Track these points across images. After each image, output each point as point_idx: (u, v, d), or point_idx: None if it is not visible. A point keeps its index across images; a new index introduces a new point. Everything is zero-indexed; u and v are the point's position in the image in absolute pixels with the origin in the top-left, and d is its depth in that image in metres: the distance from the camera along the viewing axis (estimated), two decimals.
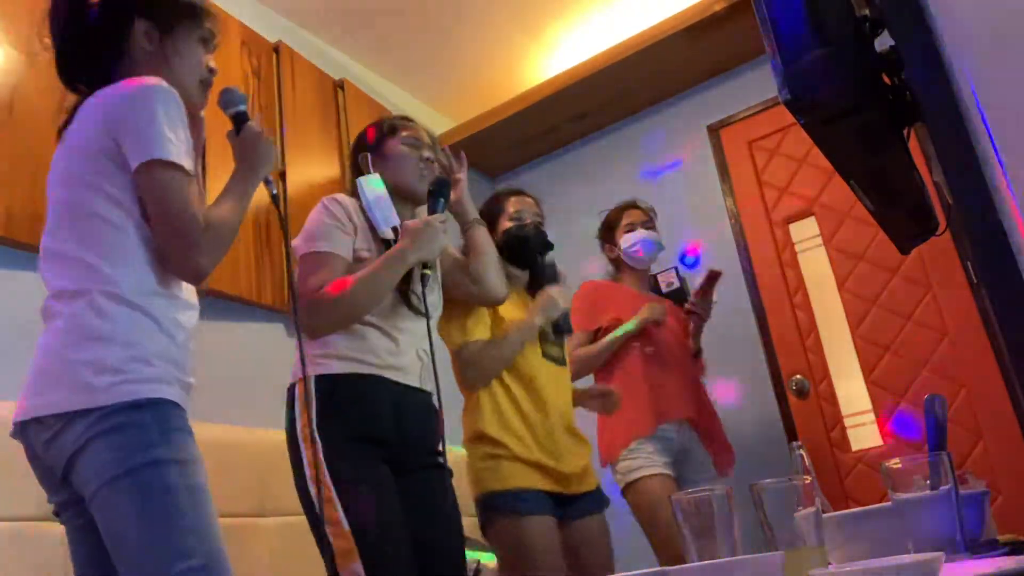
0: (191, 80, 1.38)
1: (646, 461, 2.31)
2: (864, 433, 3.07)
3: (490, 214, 2.21)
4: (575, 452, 2.05)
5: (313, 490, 1.52)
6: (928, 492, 0.85)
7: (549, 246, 2.17)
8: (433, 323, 1.77)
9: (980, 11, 0.82)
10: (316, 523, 1.53)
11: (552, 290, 2.07)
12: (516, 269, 2.15)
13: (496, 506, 1.94)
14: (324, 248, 1.64)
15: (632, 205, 2.70)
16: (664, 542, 2.22)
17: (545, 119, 3.81)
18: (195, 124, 1.38)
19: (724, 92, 3.63)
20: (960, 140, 0.87)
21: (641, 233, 2.60)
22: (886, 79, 1.08)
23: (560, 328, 2.08)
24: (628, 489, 2.33)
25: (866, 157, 1.15)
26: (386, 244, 1.70)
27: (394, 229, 1.71)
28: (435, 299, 1.79)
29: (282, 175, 2.78)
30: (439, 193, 1.77)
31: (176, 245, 1.22)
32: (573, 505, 2.03)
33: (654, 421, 2.36)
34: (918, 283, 3.04)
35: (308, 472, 1.54)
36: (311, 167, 2.92)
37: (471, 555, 2.55)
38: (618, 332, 2.44)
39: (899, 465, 0.87)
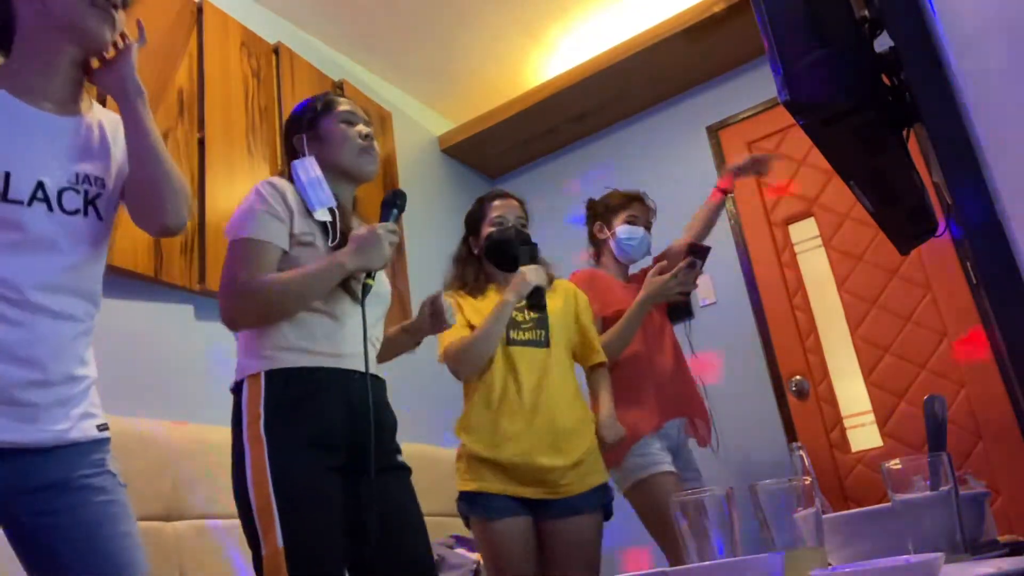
0: (75, 5, 1.24)
1: (656, 458, 2.24)
2: (864, 434, 3.07)
3: (473, 219, 2.24)
4: (556, 445, 2.01)
5: (253, 496, 1.44)
6: (928, 493, 0.85)
7: (532, 247, 2.16)
8: (382, 311, 1.71)
9: (979, 11, 0.83)
10: (250, 530, 1.44)
11: (524, 268, 2.06)
12: (501, 272, 2.16)
13: (467, 506, 2.00)
14: (255, 235, 1.53)
15: (640, 199, 2.61)
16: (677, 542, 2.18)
17: (545, 120, 3.81)
18: (83, 41, 1.29)
19: (723, 93, 3.63)
20: (960, 140, 0.87)
21: (641, 231, 2.53)
22: (885, 80, 1.08)
23: (533, 304, 2.06)
24: (636, 488, 2.24)
25: (865, 158, 1.15)
26: (323, 228, 1.61)
27: (331, 211, 1.63)
28: (383, 291, 1.71)
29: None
30: (392, 204, 1.69)
31: None
32: (549, 506, 1.99)
33: (661, 418, 2.30)
34: (917, 284, 3.05)
35: (249, 475, 1.45)
36: None
37: (472, 555, 2.54)
38: (635, 307, 2.34)
39: (899, 466, 0.87)
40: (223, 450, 2.11)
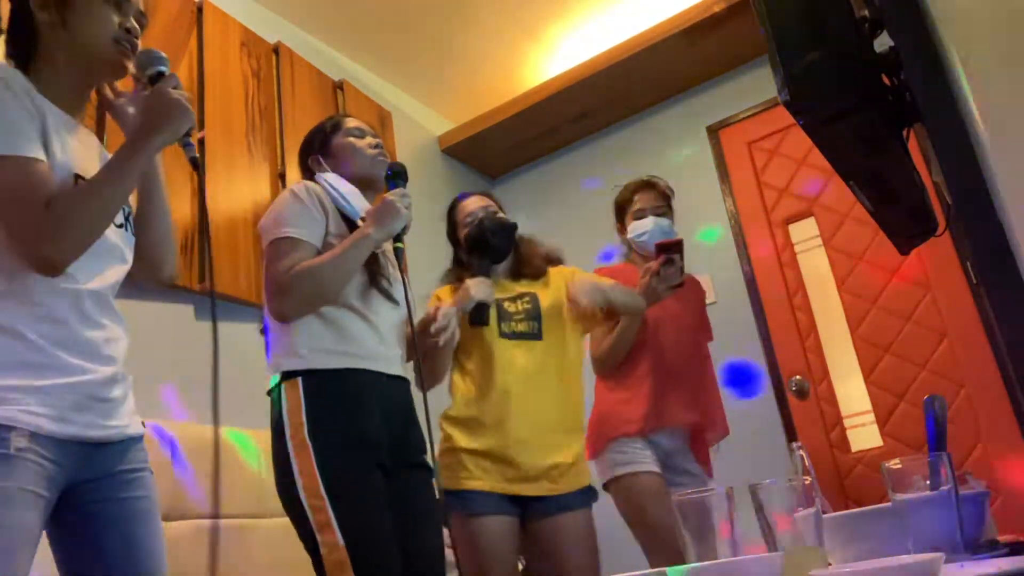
0: (101, 41, 1.27)
1: (637, 457, 2.25)
2: (864, 434, 3.07)
3: (451, 233, 2.25)
4: (548, 442, 1.99)
5: (306, 500, 1.47)
6: (928, 492, 0.85)
7: (504, 227, 2.14)
8: (400, 317, 1.72)
9: (979, 11, 0.83)
10: (307, 534, 1.48)
11: (469, 282, 2.01)
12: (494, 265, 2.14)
13: (450, 503, 1.95)
14: (294, 234, 1.60)
15: (647, 185, 2.54)
16: (659, 542, 2.16)
17: (545, 120, 3.81)
18: (100, 85, 1.33)
19: (724, 93, 3.63)
20: (960, 140, 0.87)
21: (649, 222, 2.47)
22: (886, 79, 1.08)
23: (473, 320, 2.00)
24: (614, 483, 2.26)
25: (866, 157, 1.15)
26: (353, 228, 1.67)
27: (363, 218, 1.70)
28: (401, 298, 1.73)
29: (281, 176, 2.78)
30: (395, 176, 1.74)
31: (16, 238, 1.13)
32: (541, 502, 1.98)
33: (649, 425, 2.29)
34: (918, 283, 3.05)
35: (300, 481, 1.48)
36: None
37: None
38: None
39: (899, 465, 0.87)
40: (223, 450, 2.11)
